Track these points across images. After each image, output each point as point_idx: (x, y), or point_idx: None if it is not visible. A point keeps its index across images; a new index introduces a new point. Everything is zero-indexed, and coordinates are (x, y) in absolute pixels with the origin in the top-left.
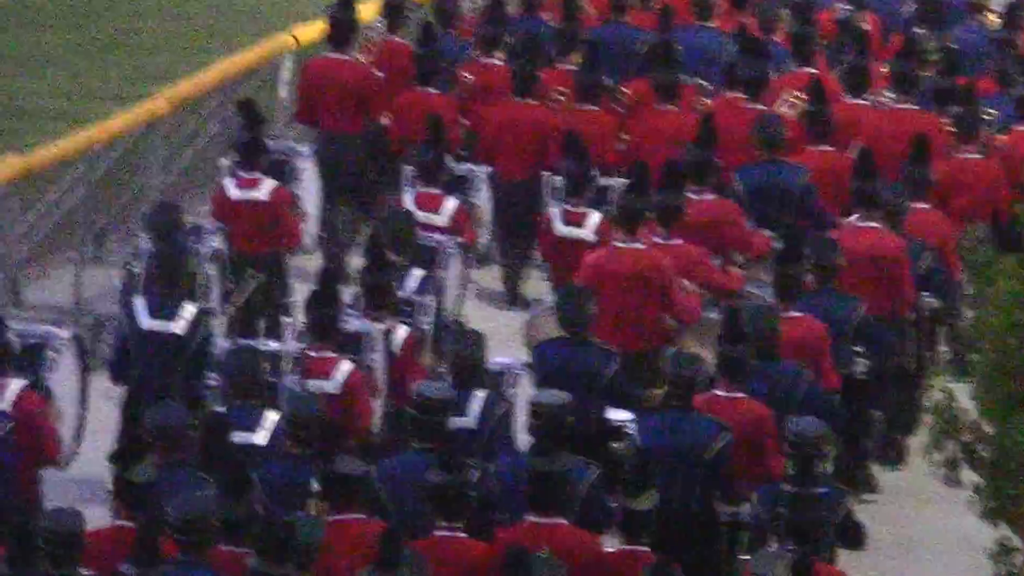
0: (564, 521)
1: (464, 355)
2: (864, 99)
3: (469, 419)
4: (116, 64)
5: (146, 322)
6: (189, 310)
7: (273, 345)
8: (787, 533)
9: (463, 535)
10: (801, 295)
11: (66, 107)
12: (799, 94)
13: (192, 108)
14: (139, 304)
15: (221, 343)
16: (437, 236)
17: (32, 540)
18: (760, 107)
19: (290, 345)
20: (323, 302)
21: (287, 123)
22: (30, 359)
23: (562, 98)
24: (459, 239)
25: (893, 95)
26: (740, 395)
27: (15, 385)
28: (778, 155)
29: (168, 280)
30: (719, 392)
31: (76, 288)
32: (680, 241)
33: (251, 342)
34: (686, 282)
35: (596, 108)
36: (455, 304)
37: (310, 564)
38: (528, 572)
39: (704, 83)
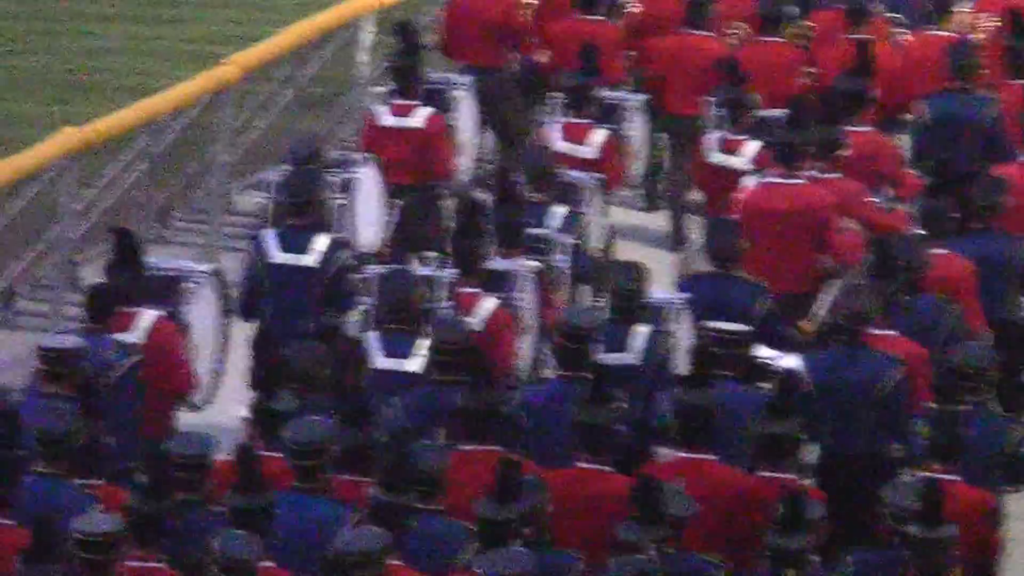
0: (713, 457)
1: (625, 288)
2: None
3: (631, 355)
4: (181, 27)
5: (277, 256)
6: (322, 241)
7: (427, 270)
8: (931, 454)
9: (607, 469)
10: (962, 233)
11: (127, 75)
12: (995, 18)
13: (264, 74)
14: (269, 237)
15: (374, 268)
16: (576, 172)
17: (164, 466)
18: (953, 34)
19: (445, 272)
20: (468, 236)
21: (366, 88)
22: (167, 292)
23: (737, 31)
24: (599, 175)
25: None
26: (891, 332)
27: (149, 316)
28: (970, 83)
29: (300, 211)
30: (872, 330)
31: None
32: (838, 175)
33: (405, 267)
34: (847, 220)
35: (779, 39)
36: (600, 241)
37: (434, 495)
38: (655, 503)
39: (896, 15)
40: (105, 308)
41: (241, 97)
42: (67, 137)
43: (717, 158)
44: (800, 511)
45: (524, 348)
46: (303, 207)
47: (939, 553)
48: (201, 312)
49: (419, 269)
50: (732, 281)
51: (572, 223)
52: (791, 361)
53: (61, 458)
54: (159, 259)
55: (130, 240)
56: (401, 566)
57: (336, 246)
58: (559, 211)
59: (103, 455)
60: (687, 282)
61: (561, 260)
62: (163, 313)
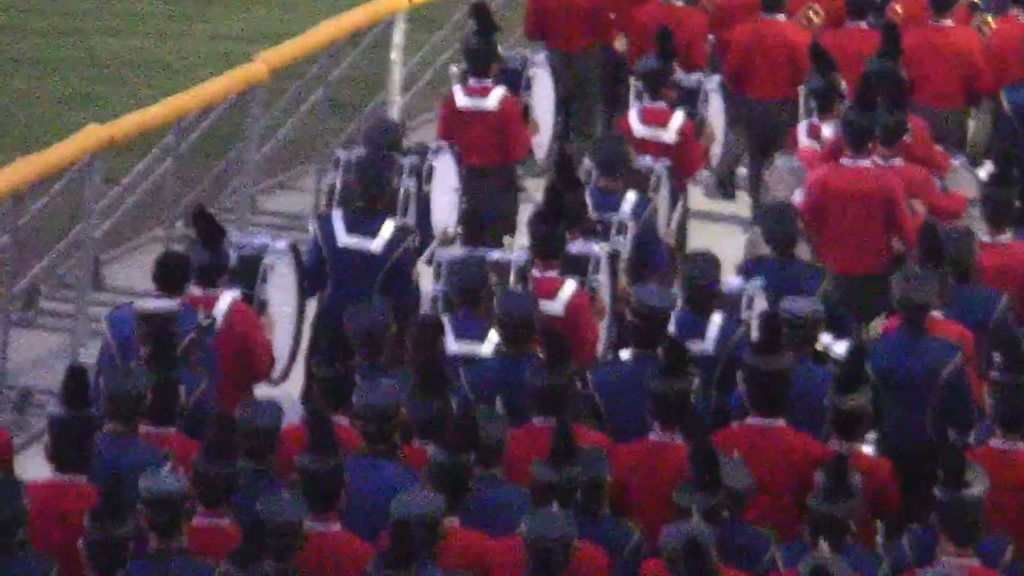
0: (783, 423)
1: (699, 279)
2: None
3: (707, 344)
4: (210, 25)
5: (343, 238)
6: (388, 227)
7: (501, 255)
8: (994, 420)
9: (679, 440)
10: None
11: (155, 71)
12: None
13: (293, 73)
14: (336, 218)
15: (447, 252)
16: (648, 159)
17: (231, 434)
18: None
19: (518, 255)
20: (548, 220)
21: (401, 92)
22: (245, 271)
23: (815, 16)
24: (670, 163)
25: None
26: (938, 314)
27: (228, 297)
28: None
29: (369, 196)
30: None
31: None
32: (901, 161)
33: (478, 251)
34: (916, 203)
35: (866, 25)
36: (671, 226)
37: (494, 460)
38: (710, 467)
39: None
40: (174, 279)
41: (270, 96)
42: (92, 134)
43: (804, 143)
44: (844, 478)
45: (601, 331)
46: (373, 191)
47: (967, 515)
48: (278, 288)
49: (491, 254)
50: (791, 265)
51: (643, 209)
52: (844, 347)
53: (131, 417)
54: (238, 237)
55: (209, 218)
56: (461, 528)
57: (401, 233)
58: (631, 197)
59: (176, 412)
60: (750, 266)
61: (622, 244)
62: (240, 295)
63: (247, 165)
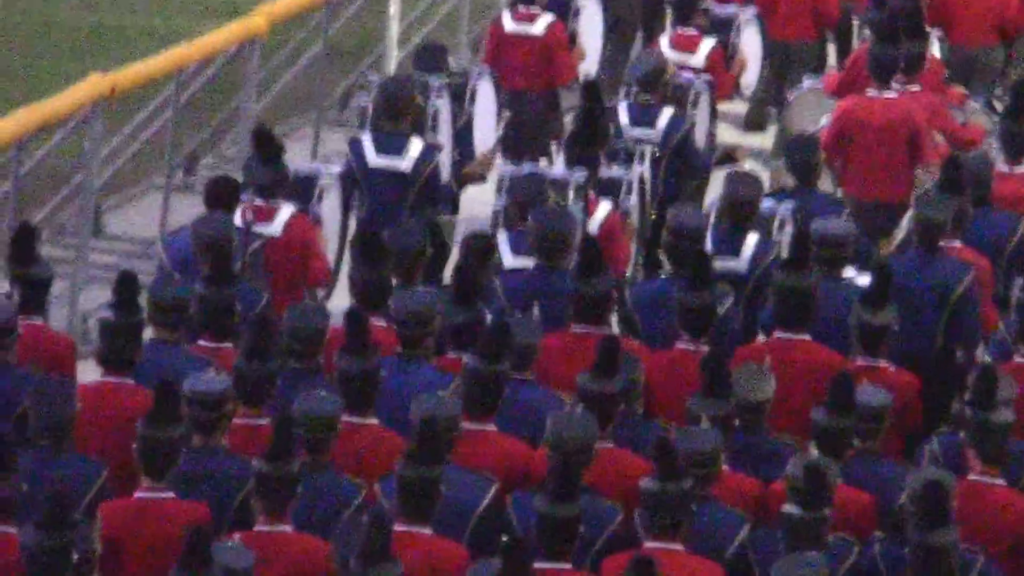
0: (808, 337)
1: (742, 195)
2: None
3: (741, 262)
4: None
5: (372, 159)
6: (416, 146)
7: (559, 173)
8: (1018, 338)
9: (703, 350)
10: None
11: (155, 23)
12: None
13: (293, 26)
14: (366, 140)
15: (506, 168)
16: (686, 75)
17: (270, 335)
18: None
19: (576, 174)
20: (586, 141)
21: (399, 45)
22: (302, 190)
23: None
24: (709, 77)
25: None
26: (957, 243)
27: (287, 210)
28: None
29: (395, 116)
30: (942, 241)
31: (163, 217)
32: (919, 89)
33: (537, 168)
34: (937, 136)
35: None
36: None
37: (527, 365)
38: (721, 379)
39: None
40: (225, 198)
41: (268, 49)
42: (94, 85)
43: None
44: (849, 393)
45: (632, 250)
46: (399, 112)
47: (996, 436)
48: (329, 209)
49: (551, 171)
50: (812, 195)
51: (680, 125)
52: (867, 279)
53: (176, 325)
54: (298, 166)
55: (273, 139)
56: (497, 433)
57: (429, 150)
58: (667, 112)
59: (233, 328)
60: (774, 196)
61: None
62: (297, 208)
63: (246, 116)
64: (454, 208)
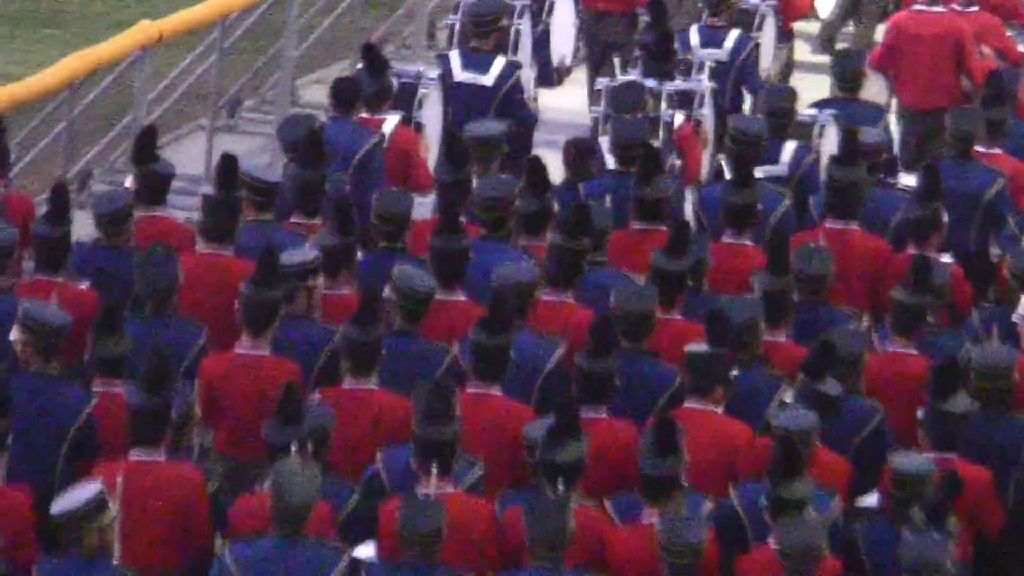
0: (856, 226)
1: (779, 106)
2: None
3: (780, 167)
4: None
5: (459, 74)
6: (499, 63)
7: (653, 83)
8: None
9: (748, 243)
10: None
11: None
12: None
13: None
14: (453, 57)
15: (605, 80)
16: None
17: (349, 214)
18: None
19: (669, 85)
20: (661, 57)
21: None
22: (404, 97)
23: None
24: (774, 2)
25: None
26: (997, 150)
27: (392, 119)
28: None
29: (481, 34)
30: (978, 148)
31: (207, 156)
32: (976, 8)
33: (634, 78)
34: (985, 49)
35: None
36: (771, 65)
37: (601, 244)
38: (783, 257)
39: None
40: (348, 100)
41: None
42: (143, 30)
43: None
44: (927, 273)
45: (704, 159)
46: (485, 31)
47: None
48: (431, 114)
49: (647, 81)
50: (856, 104)
51: (745, 45)
52: (910, 179)
53: (270, 205)
54: (399, 67)
55: (377, 51)
56: (575, 304)
57: (511, 67)
58: (733, 35)
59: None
60: (818, 104)
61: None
62: (401, 116)
63: (287, 60)
64: (531, 122)
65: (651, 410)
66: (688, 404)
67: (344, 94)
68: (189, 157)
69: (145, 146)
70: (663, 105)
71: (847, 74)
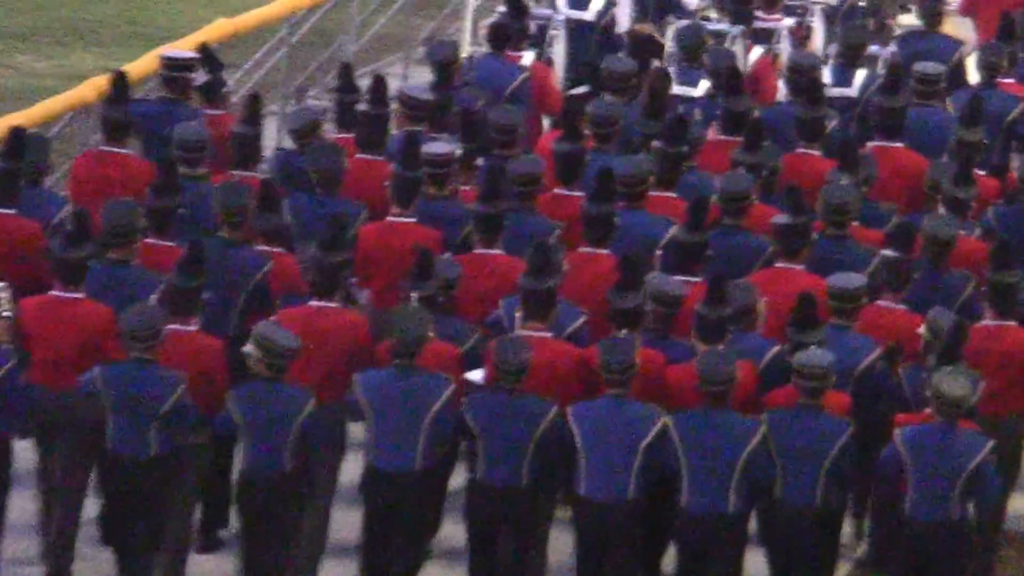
0: (901, 145)
1: (853, 39)
2: None
3: (852, 90)
4: None
5: (565, 11)
6: (598, 1)
7: (717, 25)
8: None
9: (815, 152)
10: None
11: None
12: None
13: None
14: None
15: (672, 19)
16: None
17: (416, 149)
18: None
19: (734, 28)
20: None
21: None
22: (536, 37)
23: None
24: None
25: None
26: (1012, 80)
27: (529, 56)
28: None
29: None
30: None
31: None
32: None
33: (699, 21)
34: None
35: None
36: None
37: (640, 197)
38: (853, 153)
39: None
40: (501, 40)
41: None
42: (220, 27)
43: None
44: (970, 163)
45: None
46: None
47: None
48: (559, 52)
49: (711, 24)
50: (934, 36)
51: None
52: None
53: (422, 119)
54: (535, 10)
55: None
56: (606, 255)
57: (608, 5)
58: None
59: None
60: (898, 39)
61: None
62: (535, 53)
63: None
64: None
65: (749, 273)
66: (778, 264)
67: (499, 35)
68: (265, 136)
69: (345, 77)
70: (727, 43)
71: (928, 11)
